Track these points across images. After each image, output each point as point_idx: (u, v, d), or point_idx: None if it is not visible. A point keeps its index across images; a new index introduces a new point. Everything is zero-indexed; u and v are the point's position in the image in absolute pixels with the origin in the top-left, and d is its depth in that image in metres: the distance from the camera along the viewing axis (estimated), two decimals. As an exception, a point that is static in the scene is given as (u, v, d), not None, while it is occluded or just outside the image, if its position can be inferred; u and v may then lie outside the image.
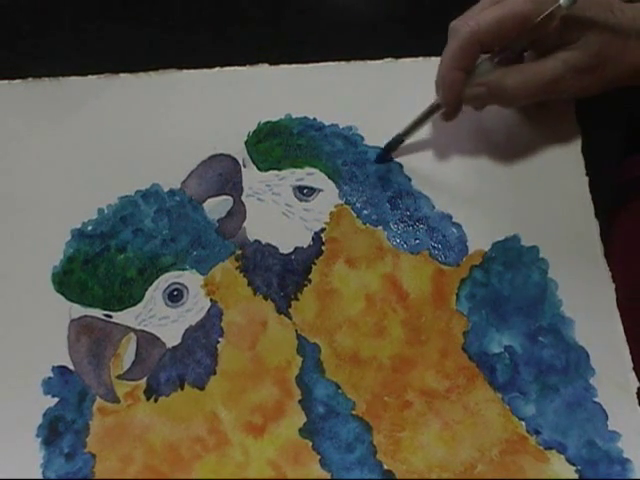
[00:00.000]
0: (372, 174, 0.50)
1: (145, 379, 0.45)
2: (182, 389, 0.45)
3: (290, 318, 0.46)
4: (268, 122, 0.51)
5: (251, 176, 0.50)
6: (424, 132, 0.51)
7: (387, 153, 0.50)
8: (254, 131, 0.51)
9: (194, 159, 0.50)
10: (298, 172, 0.50)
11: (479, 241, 0.48)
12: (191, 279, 0.47)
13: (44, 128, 0.52)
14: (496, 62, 0.46)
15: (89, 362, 0.45)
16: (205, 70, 0.53)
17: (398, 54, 0.53)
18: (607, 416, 0.43)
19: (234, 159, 0.51)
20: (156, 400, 0.45)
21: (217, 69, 0.53)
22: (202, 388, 0.45)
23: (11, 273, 0.48)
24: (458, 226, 0.48)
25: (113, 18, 0.56)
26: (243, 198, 0.50)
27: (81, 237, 0.48)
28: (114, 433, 0.44)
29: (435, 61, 0.47)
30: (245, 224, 0.49)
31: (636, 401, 0.44)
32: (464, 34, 0.44)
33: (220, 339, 0.46)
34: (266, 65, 0.53)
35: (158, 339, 0.46)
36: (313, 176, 0.50)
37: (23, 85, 0.53)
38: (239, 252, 0.48)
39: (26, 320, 0.47)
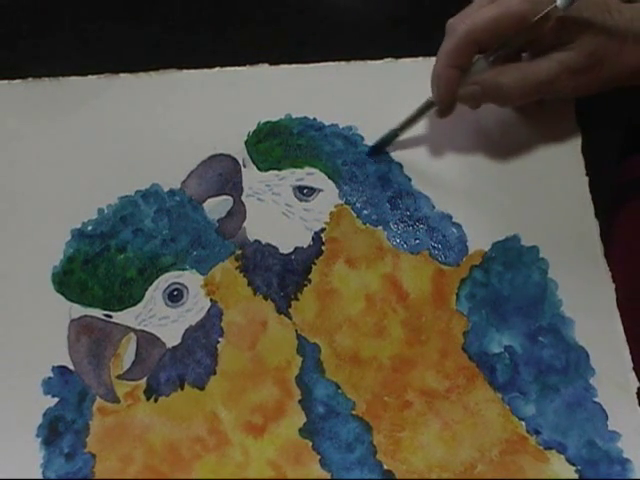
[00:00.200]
0: (372, 174, 0.50)
1: (145, 379, 0.45)
2: (182, 389, 0.45)
3: (290, 318, 0.46)
4: (268, 122, 0.51)
5: (251, 176, 0.50)
6: (424, 132, 0.51)
7: (380, 148, 0.50)
8: (254, 131, 0.51)
9: (194, 159, 0.50)
10: (298, 172, 0.50)
11: (479, 241, 0.48)
12: (191, 279, 0.47)
13: (44, 128, 0.52)
14: (491, 61, 0.46)
15: (89, 362, 0.45)
16: (205, 70, 0.53)
17: (398, 54, 0.53)
18: (607, 416, 0.43)
19: (234, 159, 0.51)
20: (156, 400, 0.45)
21: (217, 69, 0.53)
22: (202, 388, 0.45)
23: (11, 273, 0.48)
24: (458, 226, 0.48)
25: (113, 18, 0.56)
26: (243, 198, 0.50)
27: (81, 237, 0.48)
28: (114, 433, 0.44)
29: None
30: (245, 224, 0.49)
31: (636, 401, 0.44)
32: (460, 32, 0.44)
33: (220, 339, 0.46)
34: (266, 65, 0.53)
35: (158, 339, 0.46)
36: (313, 176, 0.50)
37: (23, 85, 0.53)
38: (239, 252, 0.48)
39: (26, 320, 0.47)
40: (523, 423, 0.44)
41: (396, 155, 0.51)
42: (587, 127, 0.51)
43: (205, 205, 0.49)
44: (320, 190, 0.50)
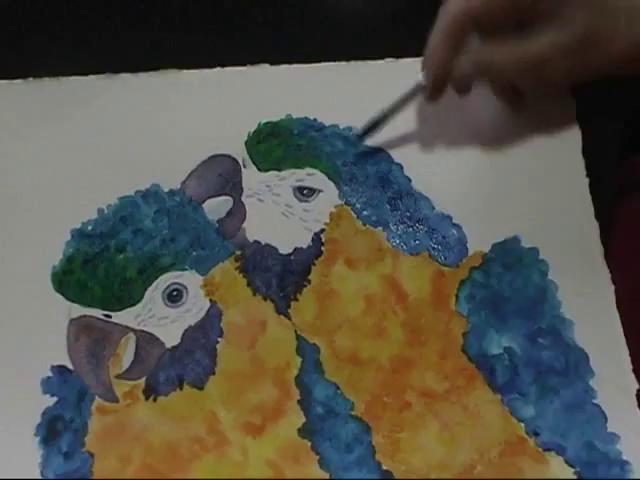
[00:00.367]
0: (372, 175, 0.50)
1: (144, 379, 0.45)
2: (181, 389, 0.45)
3: (289, 318, 0.46)
4: (268, 122, 0.51)
5: (251, 176, 0.50)
6: (425, 133, 0.51)
7: (369, 131, 0.50)
8: (254, 131, 0.51)
9: (194, 159, 0.50)
10: (298, 173, 0.50)
11: (479, 242, 0.48)
12: (191, 279, 0.47)
13: (44, 128, 0.52)
14: (484, 39, 0.45)
15: (88, 362, 0.45)
16: (205, 70, 0.53)
17: (398, 54, 0.53)
18: (606, 418, 0.43)
19: (234, 159, 0.50)
20: (155, 400, 0.45)
21: (217, 69, 0.53)
22: (201, 388, 0.45)
23: (11, 273, 0.48)
24: (458, 227, 0.48)
25: (113, 18, 0.56)
26: (243, 198, 0.50)
27: (81, 237, 0.48)
28: (113, 432, 0.44)
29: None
30: (245, 224, 0.49)
31: (635, 403, 0.44)
32: (455, 11, 0.44)
33: (219, 339, 0.46)
34: (266, 65, 0.53)
35: (157, 339, 0.46)
36: (313, 177, 0.50)
37: (23, 85, 0.53)
38: (239, 252, 0.48)
39: (25, 319, 0.47)
40: (522, 424, 0.44)
41: (396, 156, 0.51)
42: (587, 127, 0.51)
43: (205, 205, 0.49)
44: (320, 191, 0.50)
